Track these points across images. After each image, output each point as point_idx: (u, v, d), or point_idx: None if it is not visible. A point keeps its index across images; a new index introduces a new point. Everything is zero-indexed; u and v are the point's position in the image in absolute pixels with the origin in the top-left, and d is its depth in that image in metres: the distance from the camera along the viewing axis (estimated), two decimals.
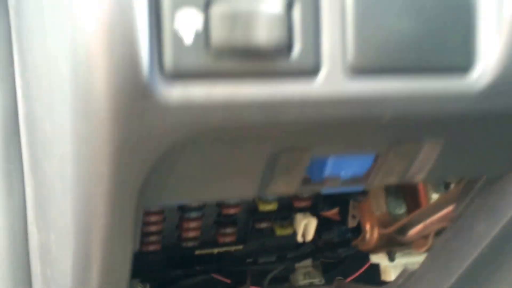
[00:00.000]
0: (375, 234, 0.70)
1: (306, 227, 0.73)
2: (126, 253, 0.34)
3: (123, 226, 0.32)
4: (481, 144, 0.42)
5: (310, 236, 0.75)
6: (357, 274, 0.92)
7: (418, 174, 0.43)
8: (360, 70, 0.31)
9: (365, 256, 0.80)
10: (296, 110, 0.30)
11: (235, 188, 0.37)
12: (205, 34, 0.28)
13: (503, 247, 0.48)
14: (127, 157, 0.28)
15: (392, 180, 0.43)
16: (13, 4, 0.41)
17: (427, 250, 0.59)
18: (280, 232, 0.75)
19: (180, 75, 0.27)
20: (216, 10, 0.28)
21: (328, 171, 0.41)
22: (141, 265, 0.48)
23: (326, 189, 0.44)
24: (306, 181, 0.41)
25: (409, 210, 0.66)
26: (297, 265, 0.89)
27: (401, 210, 0.67)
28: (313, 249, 0.84)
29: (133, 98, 0.26)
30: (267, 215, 0.73)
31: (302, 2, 0.30)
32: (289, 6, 0.29)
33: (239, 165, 0.35)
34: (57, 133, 0.31)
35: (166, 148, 0.28)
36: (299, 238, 0.75)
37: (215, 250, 0.74)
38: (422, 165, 0.42)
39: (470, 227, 0.49)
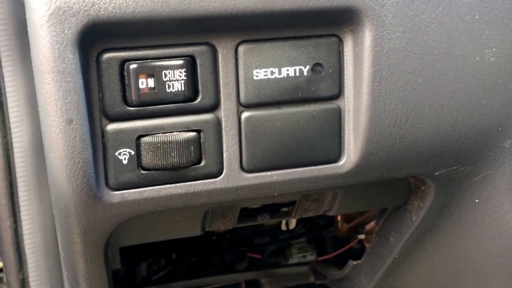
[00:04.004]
0: (344, 226, 0.87)
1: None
2: (102, 271, 0.52)
3: (96, 258, 0.51)
4: (372, 190, 0.58)
5: (292, 225, 0.92)
6: (346, 248, 1.06)
7: (329, 210, 0.59)
8: (252, 170, 0.47)
9: None
10: (204, 198, 0.47)
11: (183, 232, 0.55)
12: (137, 159, 0.45)
13: (408, 253, 0.65)
14: (91, 230, 0.47)
15: (310, 214, 0.60)
16: None
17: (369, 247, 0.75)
18: (268, 223, 0.92)
19: (120, 187, 0.45)
20: (144, 143, 0.44)
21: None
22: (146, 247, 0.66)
23: (259, 222, 0.61)
24: (240, 218, 0.58)
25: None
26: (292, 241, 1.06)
27: None
28: (303, 231, 1.01)
29: (87, 202, 0.44)
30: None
31: (207, 129, 0.46)
32: (198, 132, 0.46)
33: (181, 221, 0.53)
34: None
35: (115, 225, 0.47)
36: (283, 227, 0.92)
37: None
38: (330, 205, 0.59)
39: (387, 238, 0.65)
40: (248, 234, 0.98)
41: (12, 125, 0.69)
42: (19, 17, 0.64)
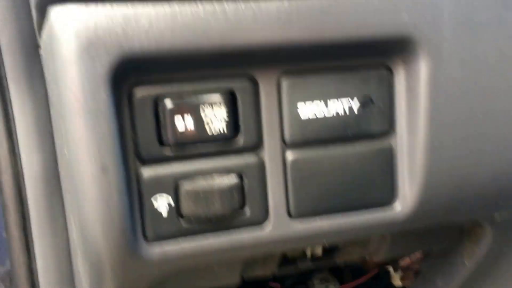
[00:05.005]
0: (373, 260, 0.82)
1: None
2: None
3: None
4: (423, 232, 0.53)
5: (319, 253, 0.87)
6: (368, 276, 1.00)
7: (375, 256, 0.54)
8: (299, 215, 0.42)
9: None
10: (249, 249, 0.42)
11: (221, 281, 0.50)
12: (176, 208, 0.40)
13: None
14: (127, 287, 0.41)
15: (353, 258, 0.55)
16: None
17: (409, 286, 0.70)
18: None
19: (159, 239, 0.40)
20: (183, 190, 0.40)
21: None
22: None
23: (300, 268, 0.56)
24: (281, 264, 0.53)
25: None
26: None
27: None
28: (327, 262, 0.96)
29: (124, 258, 0.39)
30: None
31: (250, 172, 0.41)
32: (240, 177, 0.41)
33: (219, 270, 0.48)
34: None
35: (153, 282, 0.41)
36: (309, 256, 0.87)
37: None
38: (375, 250, 0.54)
39: (432, 281, 0.60)
40: None
41: (22, 154, 0.65)
42: (25, 41, 0.60)
